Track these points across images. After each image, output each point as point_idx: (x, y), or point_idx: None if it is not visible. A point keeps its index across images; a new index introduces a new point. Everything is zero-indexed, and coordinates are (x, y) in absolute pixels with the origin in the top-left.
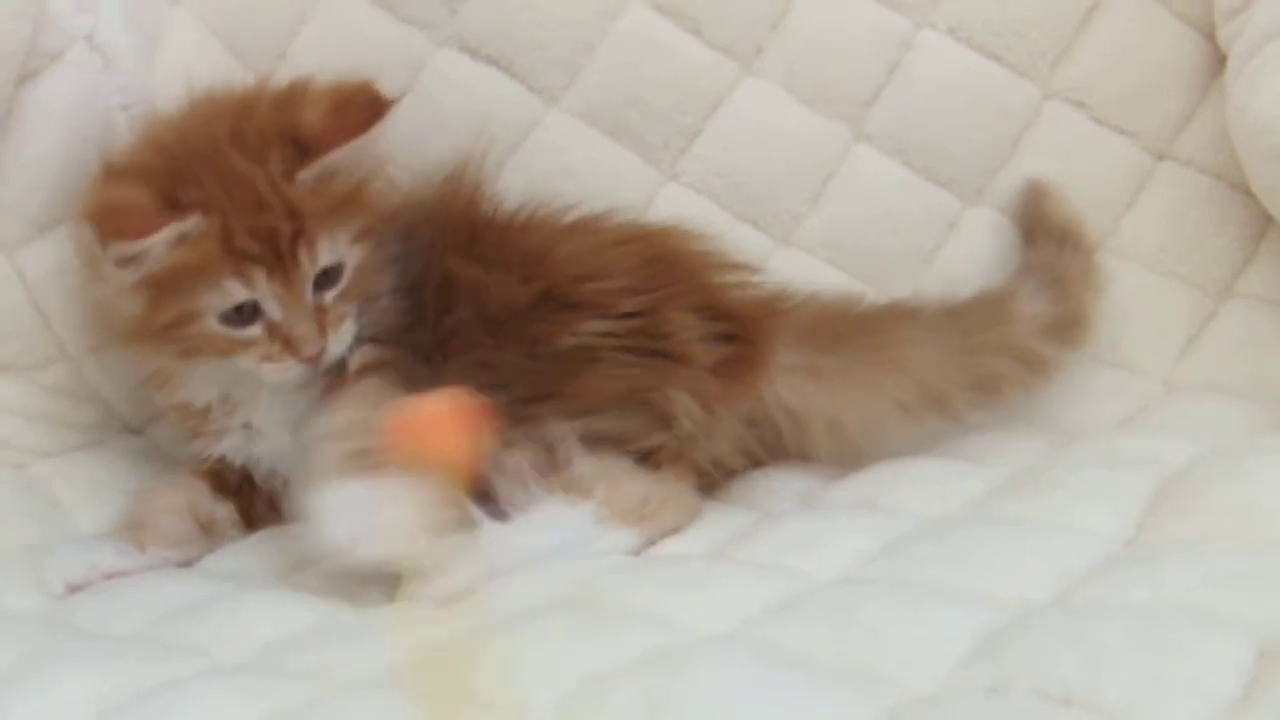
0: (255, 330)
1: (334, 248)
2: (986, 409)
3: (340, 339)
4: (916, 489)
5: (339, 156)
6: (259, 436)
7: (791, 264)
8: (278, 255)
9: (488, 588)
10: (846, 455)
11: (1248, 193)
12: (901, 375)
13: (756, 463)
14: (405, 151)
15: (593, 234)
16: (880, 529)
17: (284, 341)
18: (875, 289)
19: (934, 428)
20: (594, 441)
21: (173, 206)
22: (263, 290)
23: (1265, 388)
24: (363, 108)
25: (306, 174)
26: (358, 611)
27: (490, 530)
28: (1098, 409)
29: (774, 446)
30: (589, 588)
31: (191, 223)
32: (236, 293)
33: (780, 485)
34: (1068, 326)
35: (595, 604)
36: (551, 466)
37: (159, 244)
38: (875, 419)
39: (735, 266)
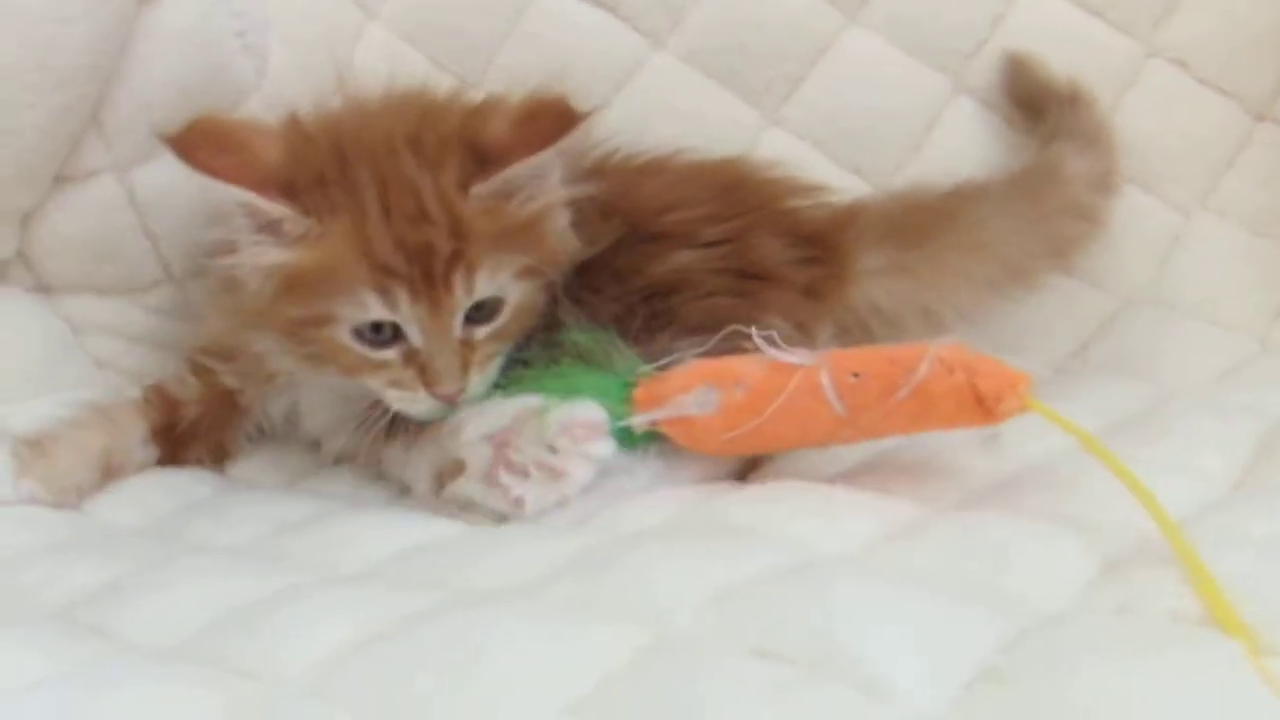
0: (391, 353)
1: (495, 279)
2: (1059, 272)
3: (484, 379)
4: (1026, 428)
5: (521, 171)
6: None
7: None
8: (429, 277)
9: (604, 511)
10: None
11: None
12: (985, 254)
13: None
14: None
15: (666, 170)
16: (991, 465)
17: (420, 371)
18: None
19: (1017, 297)
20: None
21: (289, 194)
22: (405, 313)
23: None
24: (553, 119)
25: (482, 188)
26: (473, 529)
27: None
28: (1197, 364)
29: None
30: (709, 511)
31: (295, 220)
32: (375, 309)
33: None
34: (1108, 176)
35: (720, 525)
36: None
37: (239, 205)
38: (967, 302)
39: (808, 188)
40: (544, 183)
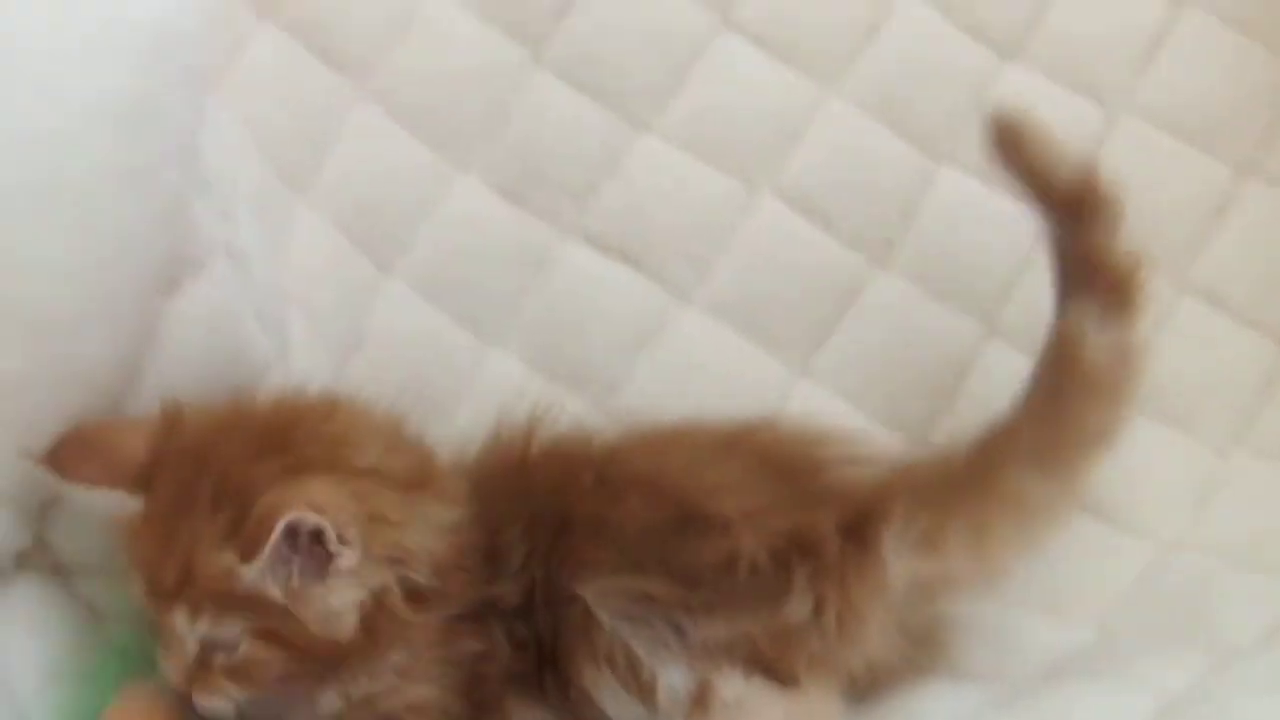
0: None
1: (219, 628)
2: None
3: (214, 702)
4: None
5: (251, 569)
6: None
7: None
8: (154, 589)
9: None
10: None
11: None
12: (1020, 509)
13: (911, 660)
14: (534, 346)
15: (695, 445)
16: None
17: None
18: None
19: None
20: (738, 655)
21: (137, 478)
22: (148, 608)
23: None
24: (258, 526)
25: (230, 560)
26: None
27: None
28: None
29: (920, 628)
30: None
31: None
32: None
33: (934, 707)
34: (1133, 341)
35: None
36: (699, 698)
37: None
38: (1005, 562)
39: (852, 457)
40: (271, 580)
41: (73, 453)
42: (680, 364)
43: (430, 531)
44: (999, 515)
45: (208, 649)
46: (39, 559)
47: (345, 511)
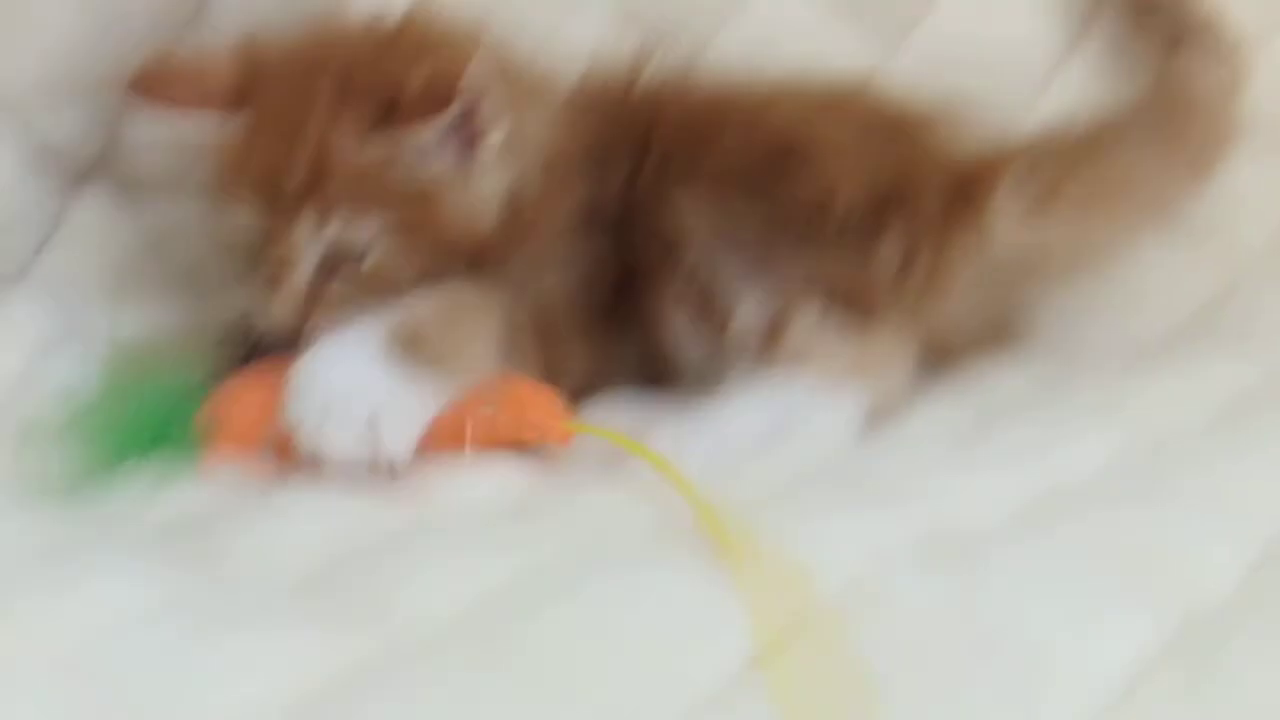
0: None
1: (352, 229)
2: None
3: (330, 321)
4: (1151, 397)
5: (405, 140)
6: None
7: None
8: (277, 198)
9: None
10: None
11: None
12: (1129, 192)
13: (989, 336)
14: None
15: (798, 96)
16: (1124, 434)
17: (268, 288)
18: None
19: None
20: (817, 292)
21: (231, 99)
22: (260, 225)
23: None
24: (434, 97)
25: (379, 140)
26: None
27: (708, 412)
28: None
29: (1006, 305)
30: (839, 467)
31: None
32: (230, 219)
33: (1003, 377)
34: (1237, 79)
35: (851, 481)
36: (773, 329)
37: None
38: (1112, 242)
39: (961, 125)
40: (429, 157)
41: (158, 77)
42: (769, 35)
43: (547, 124)
44: (1106, 192)
45: (330, 262)
46: (108, 170)
47: (497, 88)
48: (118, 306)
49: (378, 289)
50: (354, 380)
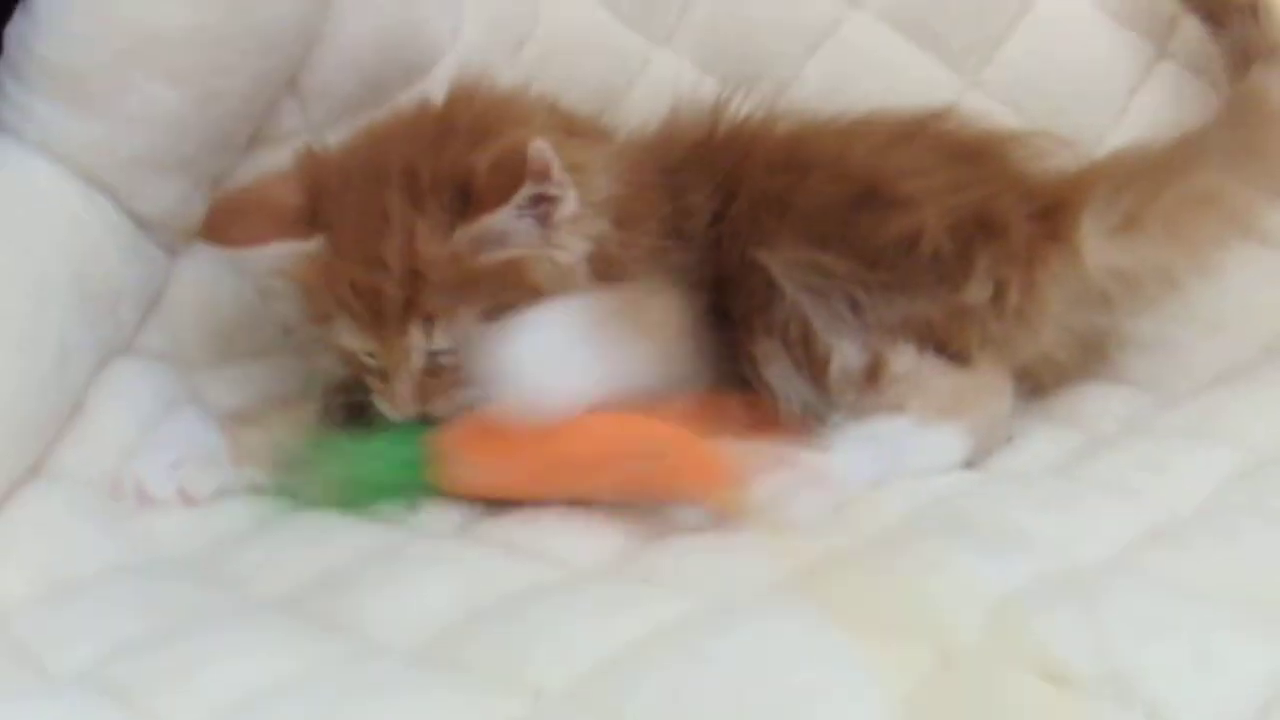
0: (374, 364)
1: (456, 328)
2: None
3: (448, 404)
4: (1249, 418)
5: (488, 224)
6: None
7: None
8: (379, 318)
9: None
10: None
11: None
12: (1216, 207)
13: (1081, 365)
14: (706, 50)
15: (878, 131)
16: (1225, 457)
17: (385, 385)
18: None
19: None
20: (912, 332)
21: (303, 221)
22: (361, 344)
23: None
24: (508, 173)
25: (463, 234)
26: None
27: (816, 458)
28: None
29: (1098, 334)
30: (951, 508)
31: (311, 244)
32: (341, 335)
33: (1099, 406)
34: None
35: (968, 523)
36: (871, 372)
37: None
38: (1200, 258)
39: (1043, 148)
40: (512, 234)
41: (228, 219)
42: (849, 69)
43: (615, 176)
44: (1191, 210)
45: (438, 356)
46: None
47: (561, 153)
48: (220, 371)
49: None
50: (558, 345)
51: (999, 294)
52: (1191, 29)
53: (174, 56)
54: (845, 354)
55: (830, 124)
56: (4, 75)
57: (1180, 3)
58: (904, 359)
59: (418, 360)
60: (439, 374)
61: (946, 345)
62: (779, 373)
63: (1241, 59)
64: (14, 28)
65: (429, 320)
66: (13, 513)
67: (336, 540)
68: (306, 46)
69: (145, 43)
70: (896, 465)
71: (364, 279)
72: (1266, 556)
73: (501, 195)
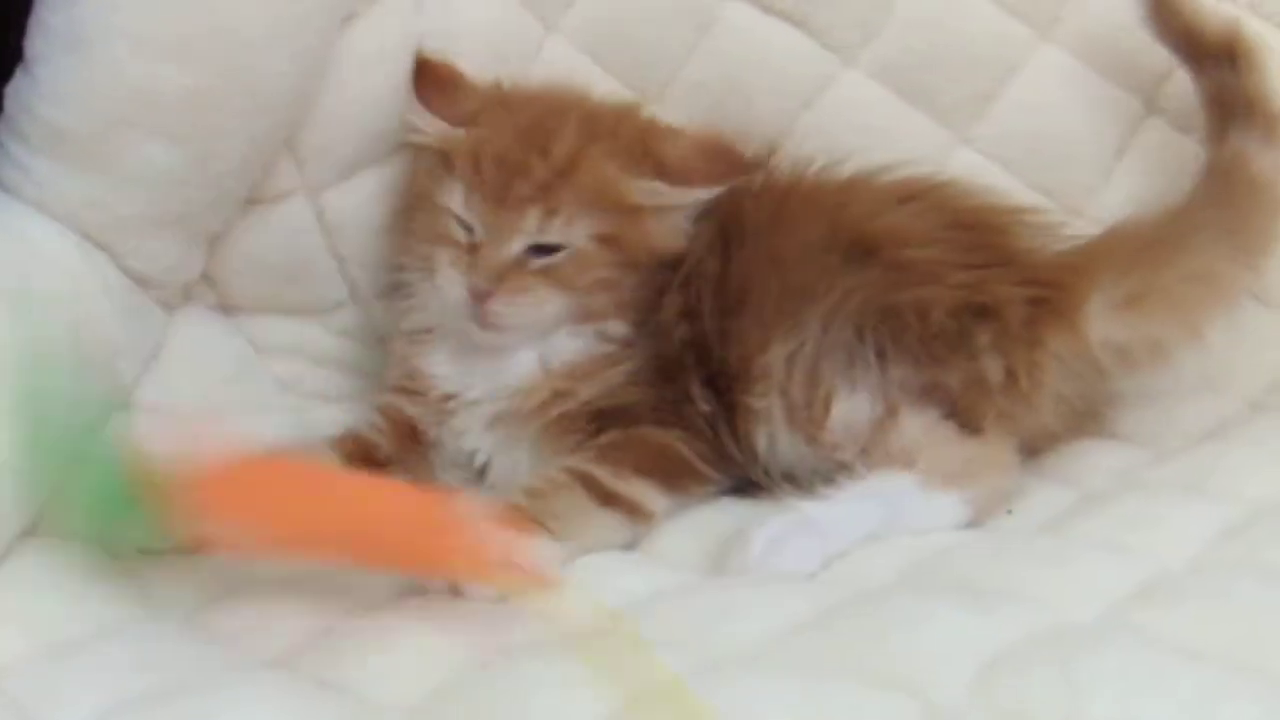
0: (462, 235)
1: (570, 230)
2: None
3: (518, 311)
4: (1241, 473)
5: (688, 199)
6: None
7: (1084, 234)
8: (504, 192)
9: (835, 565)
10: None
11: None
12: (1208, 280)
13: (1074, 429)
14: (696, 106)
15: (875, 190)
16: (1217, 512)
17: (470, 256)
18: None
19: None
20: (935, 397)
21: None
22: (476, 213)
23: None
24: (727, 164)
25: (644, 184)
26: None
27: (813, 508)
28: None
29: (1091, 400)
30: (945, 564)
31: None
32: (454, 199)
33: (1091, 462)
34: None
35: (959, 579)
36: (880, 428)
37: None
38: (1194, 330)
39: (1044, 226)
40: (681, 210)
41: (437, 80)
42: (842, 124)
43: None
44: (1191, 284)
45: (532, 252)
46: (206, 293)
47: None
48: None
49: (560, 285)
50: None
51: (1010, 373)
52: (1179, 83)
53: (171, 118)
54: (855, 403)
55: (824, 178)
56: (3, 135)
57: (1161, 42)
58: (921, 420)
59: (519, 243)
60: (522, 268)
61: (962, 414)
62: (771, 428)
63: (1220, 115)
64: (14, 88)
65: (551, 213)
66: (11, 570)
67: (327, 599)
68: (303, 108)
69: (143, 105)
70: (894, 523)
71: (515, 155)
72: (1258, 613)
73: (705, 181)
